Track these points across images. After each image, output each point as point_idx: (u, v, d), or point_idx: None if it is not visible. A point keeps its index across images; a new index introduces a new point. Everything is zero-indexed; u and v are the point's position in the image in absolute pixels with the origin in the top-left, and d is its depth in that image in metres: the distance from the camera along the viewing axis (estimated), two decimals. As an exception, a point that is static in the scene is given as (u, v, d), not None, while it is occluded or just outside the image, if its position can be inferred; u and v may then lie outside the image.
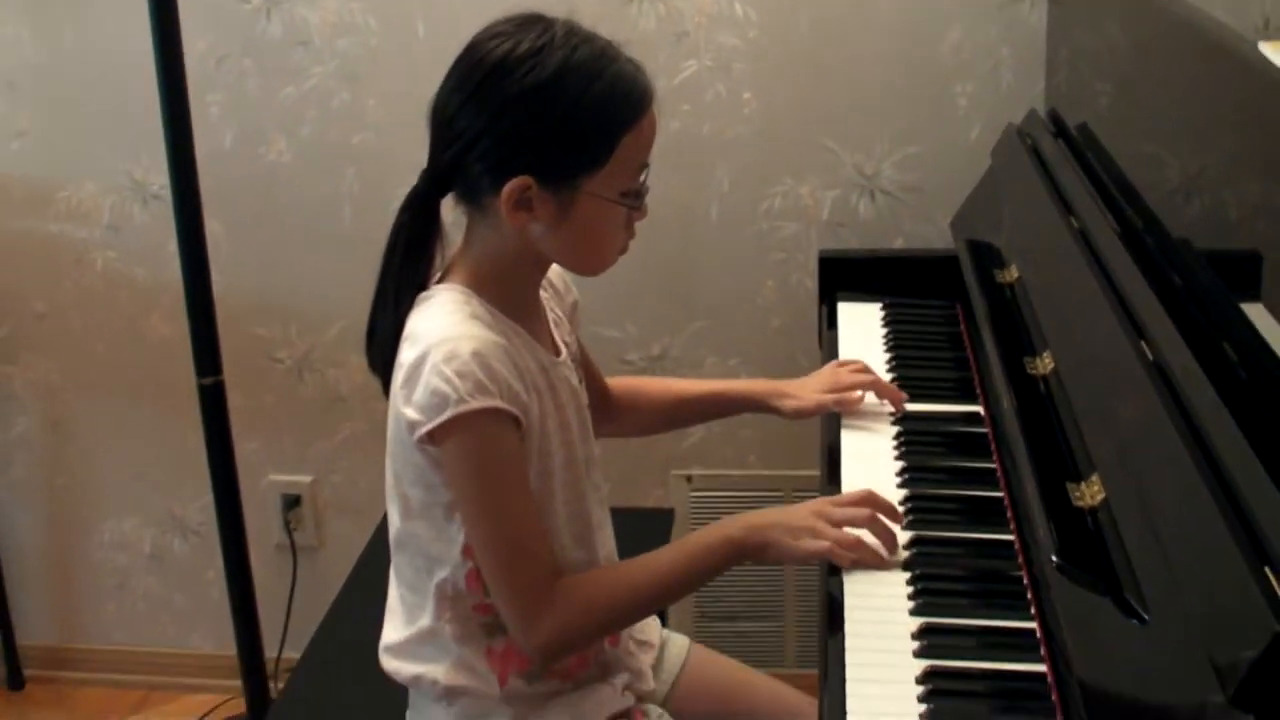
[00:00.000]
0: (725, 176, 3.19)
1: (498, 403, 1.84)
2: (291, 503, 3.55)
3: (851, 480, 2.24)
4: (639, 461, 3.41)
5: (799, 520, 1.98)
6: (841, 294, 2.91)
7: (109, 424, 3.56)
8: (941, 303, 2.83)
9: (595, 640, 2.08)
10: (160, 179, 3.19)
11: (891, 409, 2.43)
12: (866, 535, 1.98)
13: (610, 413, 2.37)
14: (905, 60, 3.09)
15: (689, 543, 2.01)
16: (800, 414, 2.45)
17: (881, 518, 2.00)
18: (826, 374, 2.49)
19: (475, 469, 1.87)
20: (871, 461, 2.29)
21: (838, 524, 1.97)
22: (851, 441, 2.36)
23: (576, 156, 1.87)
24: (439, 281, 1.98)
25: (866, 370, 2.49)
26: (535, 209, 1.87)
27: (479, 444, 1.86)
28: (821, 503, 2.02)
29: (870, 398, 2.44)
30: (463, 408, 1.82)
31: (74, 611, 3.74)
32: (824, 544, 1.95)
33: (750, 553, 1.98)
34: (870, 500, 2.02)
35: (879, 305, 2.85)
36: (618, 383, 2.43)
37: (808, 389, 2.46)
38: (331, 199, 3.29)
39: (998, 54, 3.06)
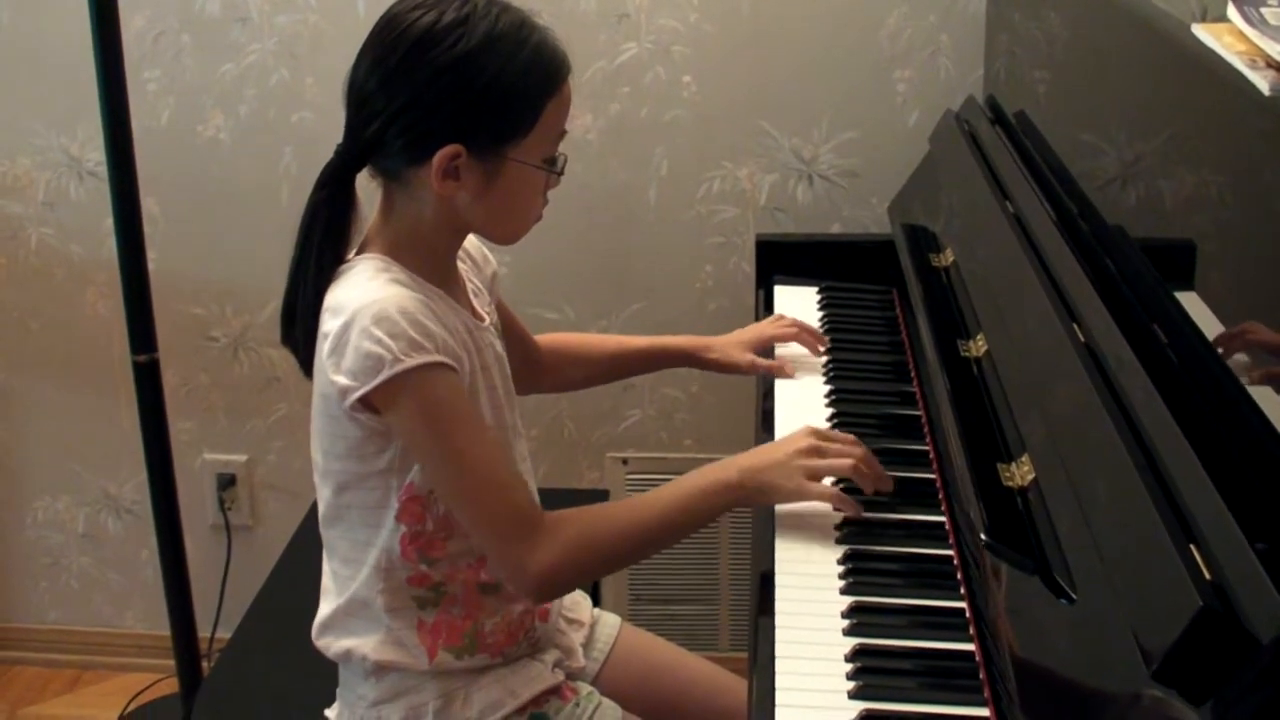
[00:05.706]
0: (664, 160, 3.19)
1: (435, 356, 1.83)
2: (226, 482, 3.53)
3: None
4: (575, 443, 3.41)
5: (792, 460, 1.99)
6: (778, 278, 2.92)
7: (43, 401, 3.54)
8: (878, 287, 2.84)
9: (596, 576, 2.06)
10: (96, 155, 3.17)
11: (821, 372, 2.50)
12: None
13: (539, 370, 2.40)
14: (845, 46, 3.10)
15: (684, 485, 1.99)
16: (729, 369, 2.54)
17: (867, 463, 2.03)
18: (755, 330, 2.60)
19: (429, 423, 1.85)
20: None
21: (826, 461, 2.00)
22: (785, 423, 2.36)
23: (504, 124, 1.88)
24: (356, 255, 1.98)
25: (792, 324, 2.59)
26: (462, 178, 1.88)
27: (426, 398, 1.84)
28: (809, 438, 2.02)
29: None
30: (399, 367, 1.80)
31: (7, 591, 3.70)
32: (825, 489, 1.99)
33: (749, 497, 2.00)
34: (857, 444, 2.04)
35: (815, 289, 2.86)
36: (544, 339, 2.45)
37: (733, 345, 2.54)
38: (269, 177, 3.27)
39: (937, 40, 3.07)
